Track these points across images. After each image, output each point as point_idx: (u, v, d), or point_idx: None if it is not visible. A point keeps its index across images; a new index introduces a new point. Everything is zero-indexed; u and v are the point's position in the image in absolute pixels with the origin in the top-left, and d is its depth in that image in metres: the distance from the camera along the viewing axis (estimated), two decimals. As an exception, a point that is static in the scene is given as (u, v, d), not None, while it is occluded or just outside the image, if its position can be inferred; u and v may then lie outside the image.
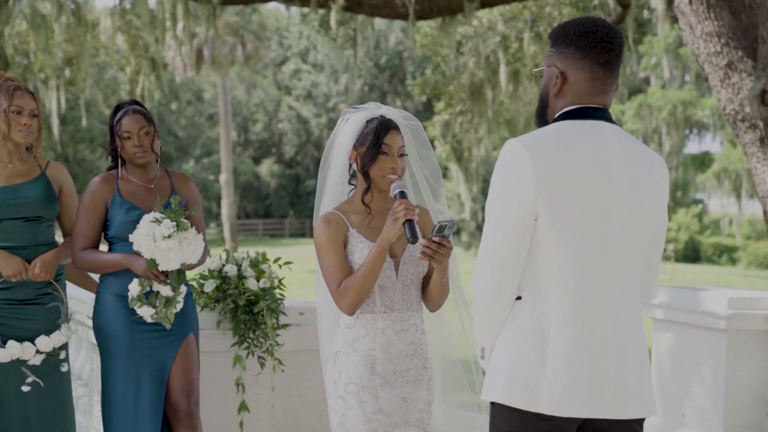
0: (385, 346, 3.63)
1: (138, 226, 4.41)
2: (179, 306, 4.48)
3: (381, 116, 3.72)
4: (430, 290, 3.69)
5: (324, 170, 3.79)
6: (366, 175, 3.66)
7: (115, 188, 4.61)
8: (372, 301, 3.63)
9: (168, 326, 4.46)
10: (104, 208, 4.59)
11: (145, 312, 4.41)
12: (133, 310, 4.47)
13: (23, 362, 4.45)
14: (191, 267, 4.61)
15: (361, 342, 3.64)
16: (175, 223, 4.37)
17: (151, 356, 4.52)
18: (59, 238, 4.80)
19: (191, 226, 4.45)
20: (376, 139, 3.63)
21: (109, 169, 4.77)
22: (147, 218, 4.41)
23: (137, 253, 4.43)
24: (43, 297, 4.54)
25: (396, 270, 3.65)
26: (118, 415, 4.50)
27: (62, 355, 4.58)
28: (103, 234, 4.65)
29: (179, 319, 4.55)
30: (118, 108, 4.74)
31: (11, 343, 4.41)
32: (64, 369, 4.58)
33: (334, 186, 3.78)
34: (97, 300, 4.63)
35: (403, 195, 3.53)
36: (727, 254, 40.67)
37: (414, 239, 3.43)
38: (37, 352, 4.47)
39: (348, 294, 3.55)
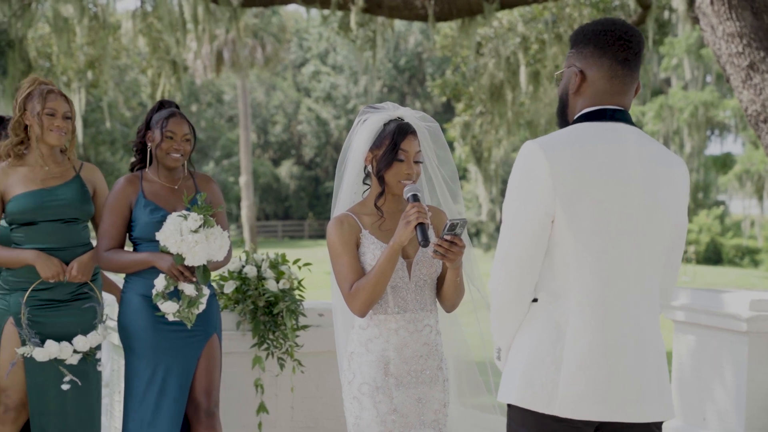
0: (398, 347, 3.63)
1: (165, 223, 4.45)
2: (202, 307, 4.51)
3: (398, 119, 3.71)
4: (445, 290, 3.69)
5: (341, 171, 3.79)
6: (381, 179, 3.67)
7: (140, 189, 4.65)
8: (385, 301, 3.63)
9: (189, 326, 4.49)
10: (128, 208, 4.63)
11: (168, 308, 4.45)
12: (157, 309, 4.50)
13: (61, 361, 4.54)
14: (217, 266, 4.64)
15: (374, 343, 3.64)
16: (201, 217, 4.41)
17: (175, 357, 4.55)
18: (94, 239, 4.86)
19: (216, 224, 4.49)
20: (393, 144, 3.63)
21: (133, 165, 4.80)
22: (173, 215, 4.46)
23: (163, 251, 4.46)
24: (79, 297, 4.63)
25: (409, 270, 3.65)
26: (138, 415, 4.53)
27: (98, 355, 4.68)
28: (127, 235, 4.69)
29: (203, 320, 4.58)
30: (161, 105, 4.78)
31: (49, 343, 4.50)
32: (99, 368, 4.69)
33: (349, 186, 3.79)
34: (122, 300, 4.67)
35: (416, 198, 3.53)
36: (749, 256, 40.41)
37: (426, 243, 3.43)
38: (75, 351, 4.56)
39: (359, 295, 3.56)
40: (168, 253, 4.46)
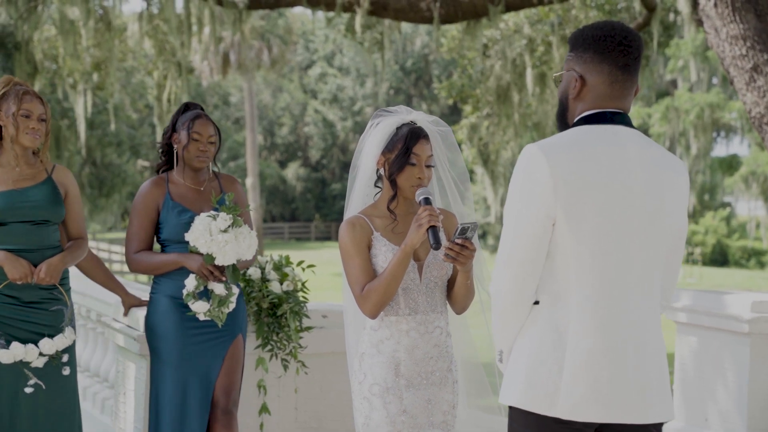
0: (409, 348, 3.66)
1: (193, 224, 4.49)
2: (232, 306, 4.56)
3: (411, 123, 3.74)
4: (455, 292, 3.72)
5: (353, 173, 3.83)
6: (393, 182, 3.70)
7: (166, 191, 4.70)
8: (396, 303, 3.66)
9: (220, 325, 4.55)
10: (156, 211, 4.69)
11: (199, 307, 4.49)
12: (186, 310, 4.55)
13: (26, 364, 4.50)
14: (244, 265, 4.70)
15: (385, 344, 3.67)
16: (231, 217, 4.45)
17: (201, 358, 4.60)
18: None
19: (244, 224, 4.55)
20: (405, 149, 3.66)
21: (158, 167, 4.83)
22: (202, 216, 4.50)
23: (192, 252, 4.50)
24: (47, 300, 4.58)
25: (420, 273, 3.68)
26: (166, 416, 4.58)
27: (65, 359, 4.61)
28: (155, 237, 4.74)
29: (230, 320, 4.63)
30: (187, 107, 4.83)
31: (15, 345, 4.46)
32: (66, 372, 4.61)
33: (362, 189, 3.82)
34: (150, 301, 4.73)
35: (427, 201, 3.56)
36: (755, 258, 40.37)
37: (437, 245, 3.46)
38: (40, 354, 4.51)
39: (371, 297, 3.59)
40: (197, 253, 4.51)
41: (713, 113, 34.40)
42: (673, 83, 40.86)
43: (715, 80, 37.61)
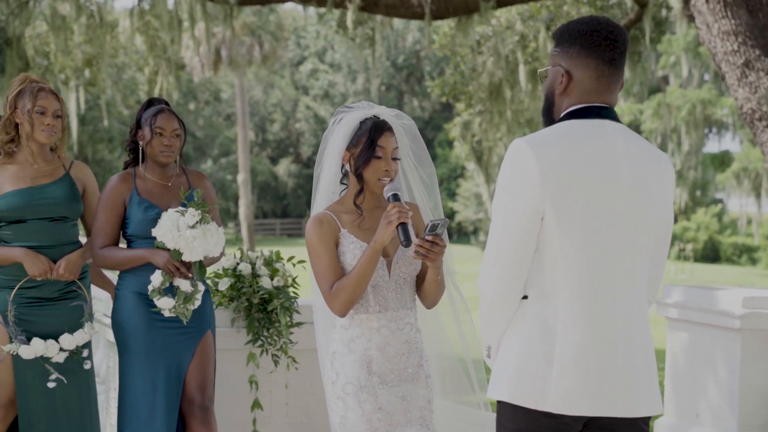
0: (380, 346, 3.65)
1: (160, 219, 4.47)
2: (197, 303, 4.53)
3: (374, 117, 3.73)
4: (426, 288, 3.71)
5: (318, 171, 3.81)
6: (360, 177, 3.68)
7: (133, 186, 4.67)
8: (366, 300, 3.64)
9: (185, 322, 4.52)
10: (123, 206, 4.66)
11: (165, 303, 4.47)
12: (152, 305, 4.53)
13: (47, 359, 4.56)
14: (211, 262, 4.68)
15: (356, 342, 3.65)
16: (199, 213, 4.43)
17: (169, 353, 4.58)
18: (82, 237, 4.87)
19: (212, 221, 4.52)
20: (370, 142, 3.64)
21: (126, 164, 4.82)
22: (170, 211, 4.48)
23: (159, 247, 4.48)
24: (67, 295, 4.63)
25: (389, 269, 3.66)
26: (134, 412, 4.56)
27: (85, 353, 4.68)
28: (121, 232, 4.71)
29: (197, 316, 4.60)
30: (150, 103, 4.80)
31: (35, 341, 4.51)
32: (87, 366, 4.68)
33: (327, 186, 3.80)
34: (116, 297, 4.70)
35: (396, 197, 3.54)
36: (747, 254, 40.43)
37: (407, 243, 3.44)
38: (61, 349, 4.57)
39: (340, 296, 3.57)
40: (164, 249, 4.48)
41: (705, 109, 34.44)
42: (665, 79, 40.90)
43: (707, 76, 37.64)
